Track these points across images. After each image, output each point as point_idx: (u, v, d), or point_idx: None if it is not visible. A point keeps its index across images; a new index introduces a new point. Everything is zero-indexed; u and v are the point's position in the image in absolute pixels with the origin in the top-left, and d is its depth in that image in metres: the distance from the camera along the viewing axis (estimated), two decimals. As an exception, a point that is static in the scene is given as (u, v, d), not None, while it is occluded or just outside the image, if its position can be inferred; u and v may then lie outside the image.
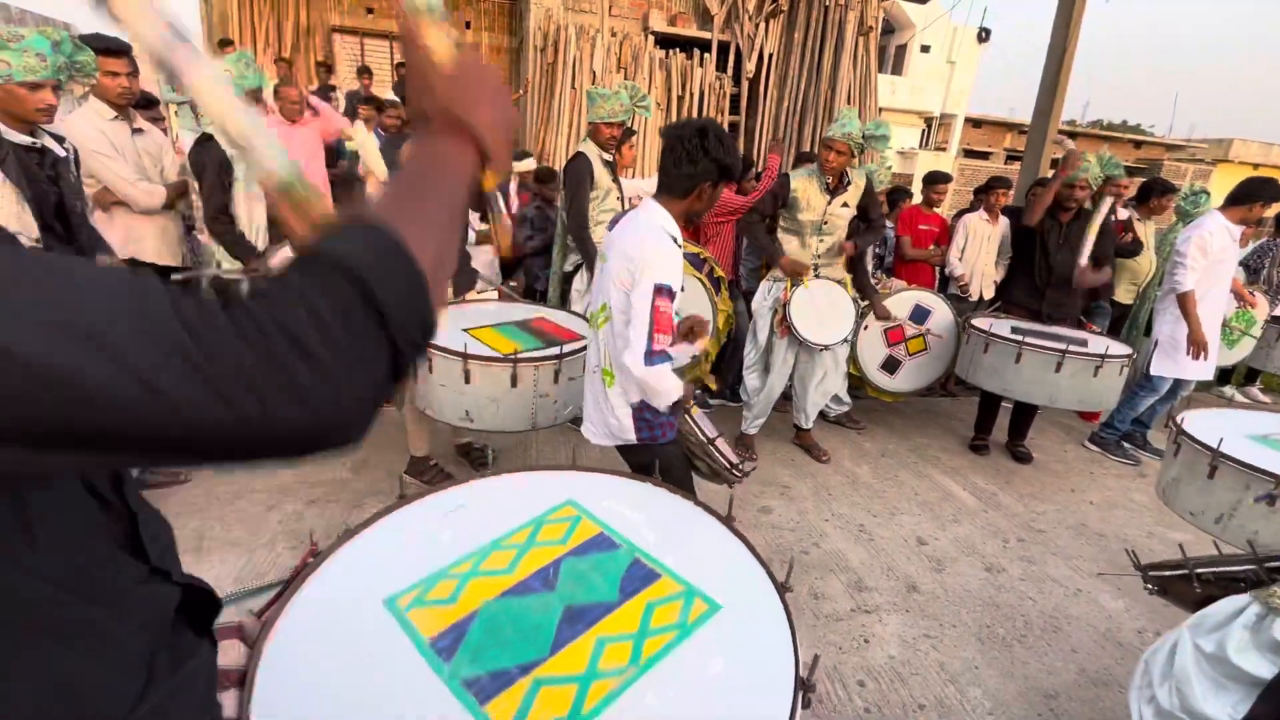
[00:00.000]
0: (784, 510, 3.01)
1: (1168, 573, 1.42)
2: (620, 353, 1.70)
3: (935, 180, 4.58)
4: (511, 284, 4.58)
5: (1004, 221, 4.40)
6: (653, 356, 1.64)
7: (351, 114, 6.15)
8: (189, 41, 0.56)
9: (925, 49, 19.46)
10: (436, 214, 0.51)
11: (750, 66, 8.07)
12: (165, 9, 0.54)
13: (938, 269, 4.63)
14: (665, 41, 8.05)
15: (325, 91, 5.97)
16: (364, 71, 7.03)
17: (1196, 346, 3.45)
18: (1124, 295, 4.53)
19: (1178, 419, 2.31)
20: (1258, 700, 0.93)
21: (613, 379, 1.80)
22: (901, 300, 3.87)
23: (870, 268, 3.98)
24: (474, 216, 3.04)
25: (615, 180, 3.33)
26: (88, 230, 2.43)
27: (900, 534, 2.89)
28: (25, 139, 2.17)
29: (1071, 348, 3.19)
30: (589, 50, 7.64)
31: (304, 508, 2.69)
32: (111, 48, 2.58)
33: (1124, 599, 2.55)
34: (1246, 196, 3.39)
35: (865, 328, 3.78)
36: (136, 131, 2.80)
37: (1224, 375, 5.34)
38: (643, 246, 1.66)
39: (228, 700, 0.79)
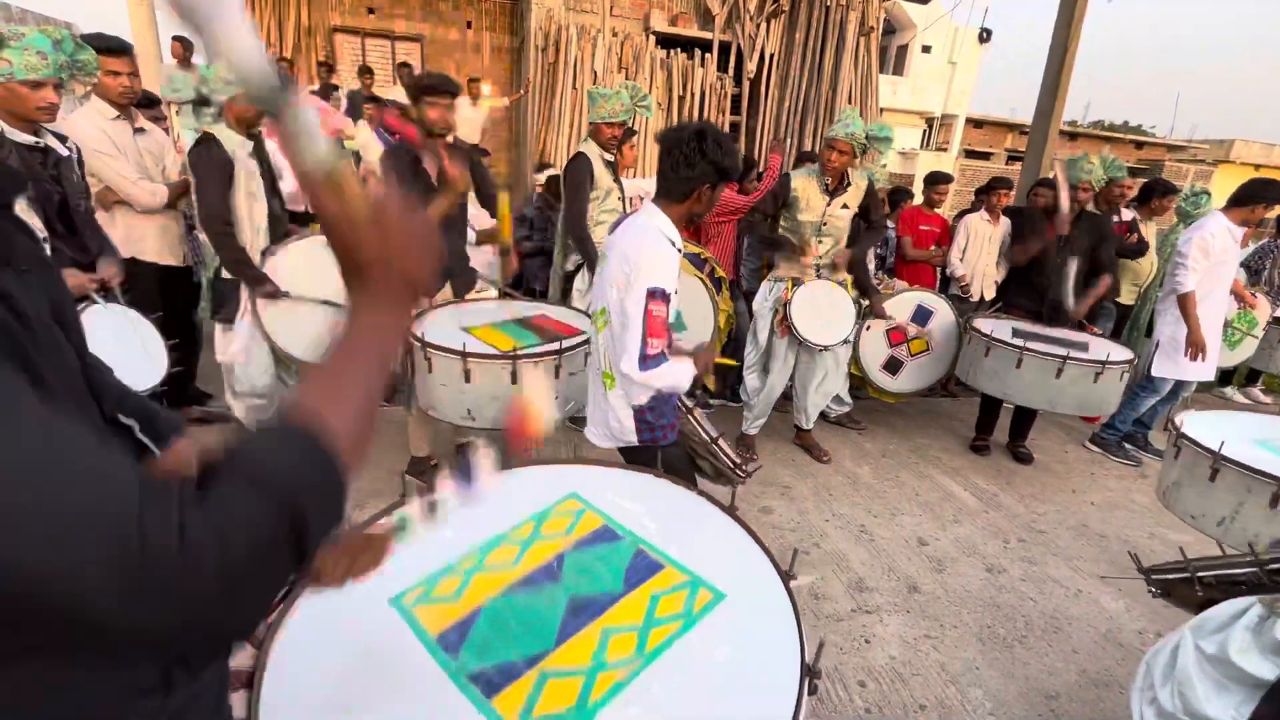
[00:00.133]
0: (784, 510, 3.01)
1: (1170, 575, 1.42)
2: (618, 357, 1.70)
3: (936, 181, 4.58)
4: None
5: (1005, 222, 4.39)
6: (647, 361, 1.64)
7: (354, 114, 6.16)
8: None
9: (926, 49, 19.45)
10: (364, 395, 0.54)
11: (751, 67, 8.07)
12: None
13: (939, 269, 4.63)
14: (666, 41, 8.05)
15: (327, 91, 5.97)
16: (365, 71, 7.03)
17: (1194, 348, 3.45)
18: (1125, 296, 4.52)
19: (1177, 422, 2.31)
20: (1261, 702, 0.92)
21: (613, 381, 1.80)
22: (904, 301, 3.87)
23: (871, 268, 3.97)
24: (474, 216, 3.04)
25: (616, 180, 3.32)
26: (92, 229, 2.44)
27: (901, 534, 2.89)
28: (28, 138, 2.18)
29: (1073, 353, 3.18)
30: (590, 50, 7.64)
31: (305, 507, 2.69)
32: (113, 47, 2.58)
33: (1125, 600, 2.55)
34: (1249, 198, 3.39)
35: (868, 328, 3.78)
36: (138, 131, 2.80)
37: (1225, 376, 5.33)
38: (640, 250, 1.66)
39: (236, 701, 0.80)
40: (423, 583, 1.03)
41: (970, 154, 22.31)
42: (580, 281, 3.37)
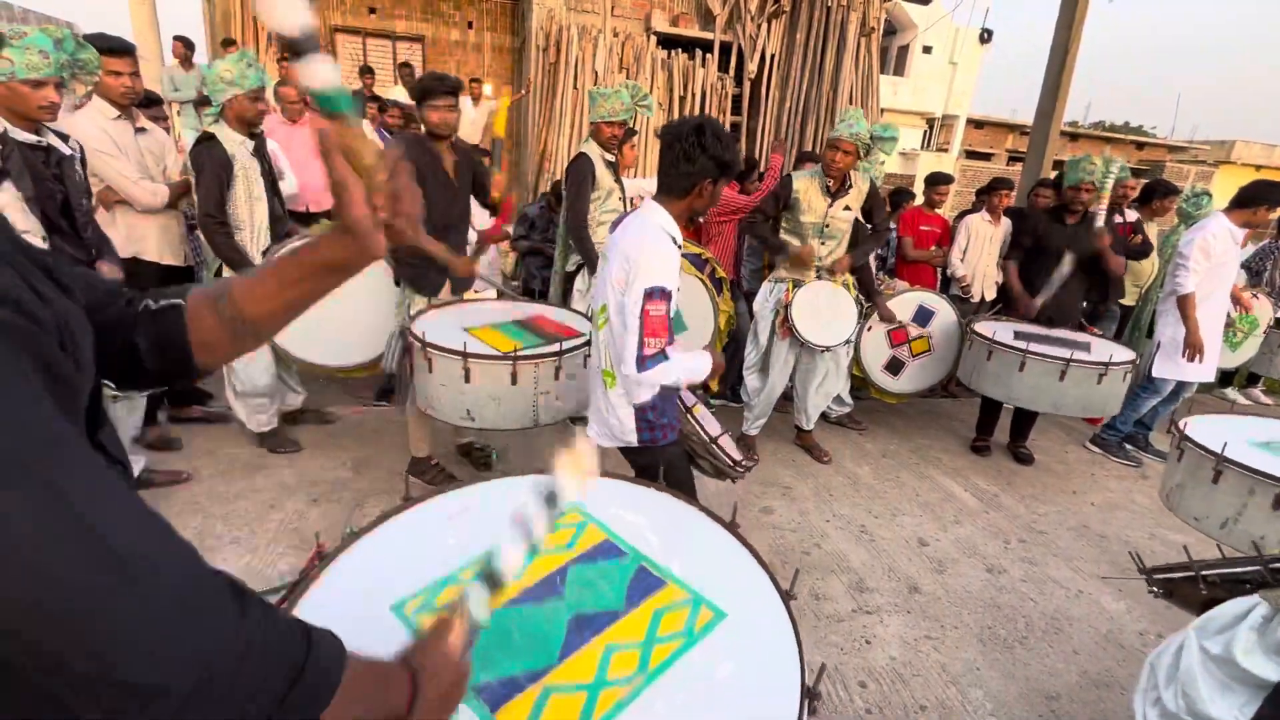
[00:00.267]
0: (785, 511, 3.01)
1: (1173, 575, 1.42)
2: (618, 356, 1.70)
3: (937, 181, 4.58)
4: (514, 284, 4.58)
5: (1006, 223, 4.39)
6: (644, 361, 1.64)
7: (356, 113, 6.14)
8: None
9: (927, 50, 19.45)
10: (362, 699, 0.58)
11: (752, 67, 8.08)
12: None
13: (939, 270, 4.63)
14: (667, 42, 8.06)
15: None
16: (366, 71, 7.03)
17: (1192, 349, 3.45)
18: (1126, 297, 4.52)
19: (1180, 424, 2.31)
20: (1265, 703, 0.92)
21: (614, 380, 1.80)
22: (905, 301, 3.86)
23: (873, 269, 3.97)
24: (474, 216, 3.04)
25: (618, 180, 3.32)
26: (93, 230, 2.44)
27: (901, 535, 2.89)
28: (30, 137, 2.18)
29: (1076, 355, 3.18)
30: (591, 50, 7.65)
31: (306, 507, 2.69)
32: (115, 47, 2.58)
33: (1125, 601, 2.55)
34: (1252, 199, 3.37)
35: (869, 329, 3.78)
36: (139, 130, 2.80)
37: (1226, 378, 5.33)
38: (641, 248, 1.65)
39: None
40: (425, 591, 1.03)
41: (971, 155, 22.31)
42: (581, 282, 3.37)
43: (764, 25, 7.96)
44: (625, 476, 1.47)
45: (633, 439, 1.82)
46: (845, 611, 2.36)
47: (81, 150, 2.41)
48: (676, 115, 7.94)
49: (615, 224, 1.85)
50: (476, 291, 3.09)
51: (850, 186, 3.20)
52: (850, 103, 8.02)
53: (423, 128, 2.66)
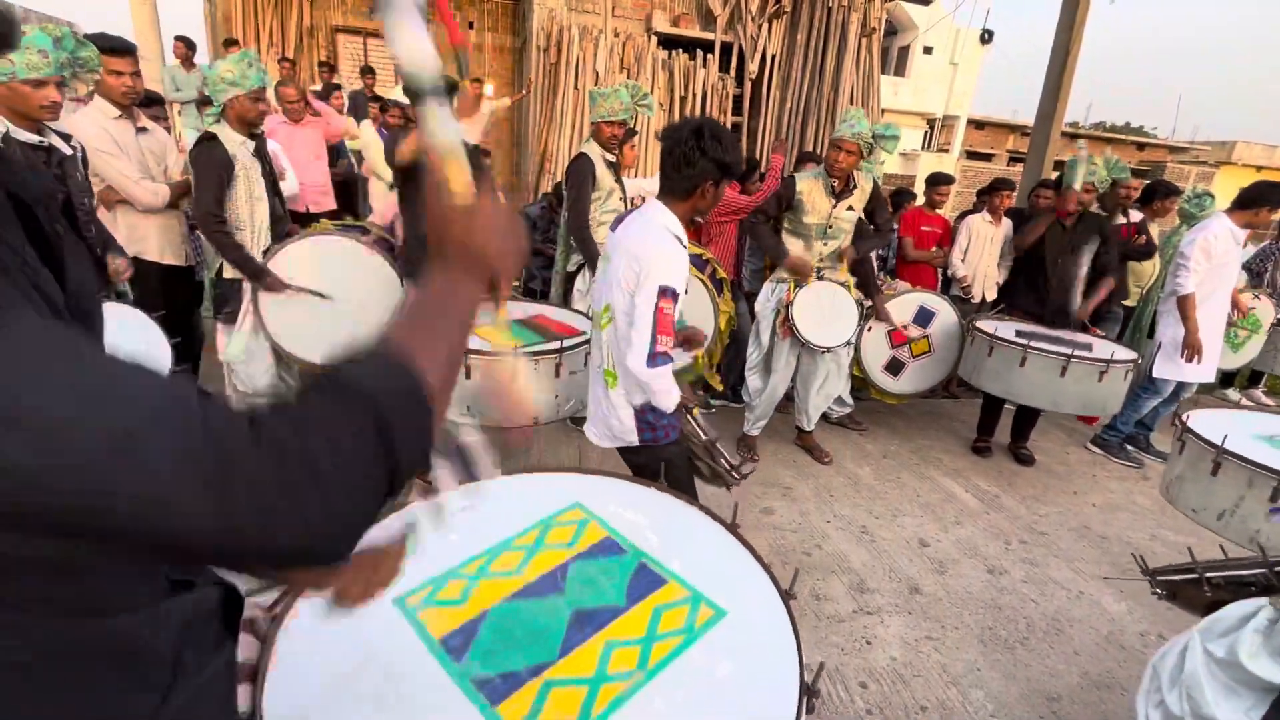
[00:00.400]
0: (786, 511, 3.01)
1: (1177, 577, 1.42)
2: (623, 354, 1.70)
3: (938, 182, 4.57)
4: (514, 284, 4.57)
5: (1007, 223, 4.38)
6: (655, 358, 1.64)
7: (356, 114, 6.16)
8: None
9: (928, 50, 19.45)
10: (449, 348, 0.56)
11: (753, 67, 8.07)
12: None
13: (940, 270, 4.63)
14: (668, 42, 8.06)
15: (329, 91, 5.97)
16: (367, 71, 7.04)
17: (1190, 350, 3.44)
18: (1129, 298, 4.51)
19: (1182, 417, 2.32)
20: (1271, 707, 0.92)
21: (615, 380, 1.80)
22: (906, 302, 3.86)
23: (874, 268, 3.97)
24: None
25: (618, 180, 3.32)
26: (96, 228, 2.44)
27: (902, 535, 2.89)
28: (32, 137, 2.18)
29: (1077, 352, 3.18)
30: (592, 51, 7.65)
31: (306, 507, 2.69)
32: (115, 47, 2.58)
33: (1126, 602, 2.55)
34: (1254, 200, 3.36)
35: (869, 329, 3.77)
36: (140, 130, 2.80)
37: (1227, 378, 5.32)
38: (648, 248, 1.65)
39: (240, 694, 0.80)
40: (427, 585, 1.04)
41: (972, 155, 22.31)
42: (581, 282, 3.37)
43: (765, 26, 7.95)
44: (626, 476, 1.47)
45: (633, 438, 1.82)
46: (846, 612, 2.36)
47: (83, 150, 2.41)
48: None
49: (616, 223, 1.85)
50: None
51: (854, 187, 3.20)
52: (851, 103, 8.02)
53: None
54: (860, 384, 4.01)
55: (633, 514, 1.28)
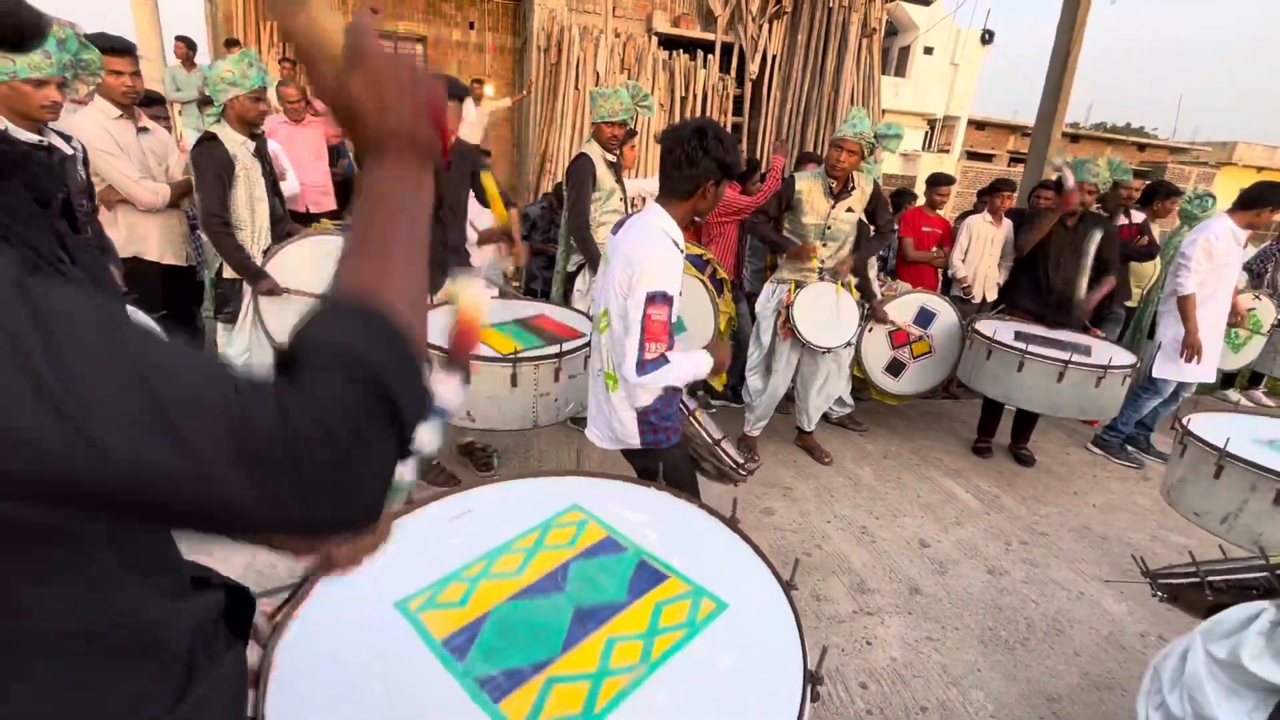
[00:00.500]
0: (786, 512, 3.01)
1: (1178, 579, 1.41)
2: (619, 360, 1.70)
3: (938, 182, 4.57)
4: (515, 284, 4.58)
5: (1007, 224, 4.38)
6: (644, 365, 1.64)
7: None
8: None
9: (929, 51, 19.44)
10: (406, 262, 0.51)
11: (753, 68, 8.08)
12: None
13: (940, 271, 4.63)
14: (669, 43, 8.06)
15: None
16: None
17: (1190, 350, 3.44)
18: (1133, 299, 4.51)
19: (1184, 420, 2.31)
20: (1275, 709, 0.91)
21: (616, 383, 1.80)
22: (907, 303, 3.86)
23: (874, 270, 3.97)
24: (475, 215, 3.04)
25: (619, 181, 3.32)
26: (93, 230, 2.44)
27: (902, 536, 2.89)
28: (32, 137, 2.18)
29: (1075, 357, 3.16)
30: (592, 51, 7.65)
31: (306, 507, 2.69)
32: (115, 47, 2.58)
33: (1127, 603, 2.55)
34: (1256, 200, 3.35)
35: (870, 330, 3.77)
36: (141, 130, 2.80)
37: (1228, 379, 5.32)
38: (642, 251, 1.65)
39: None
40: (428, 588, 1.04)
41: (972, 156, 22.30)
42: (581, 282, 3.37)
43: (765, 26, 7.96)
44: (625, 477, 1.47)
45: (635, 441, 1.81)
46: (846, 612, 2.36)
47: (84, 150, 2.41)
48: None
49: (617, 226, 1.85)
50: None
51: (853, 188, 3.19)
52: (852, 104, 8.02)
53: None
54: (861, 384, 4.01)
55: (632, 513, 1.28)
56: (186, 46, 6.37)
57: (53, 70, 2.11)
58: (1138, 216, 4.37)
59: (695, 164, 1.65)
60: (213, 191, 2.60)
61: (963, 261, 4.42)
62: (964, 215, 4.70)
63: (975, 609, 2.44)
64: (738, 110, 8.44)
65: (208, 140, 2.61)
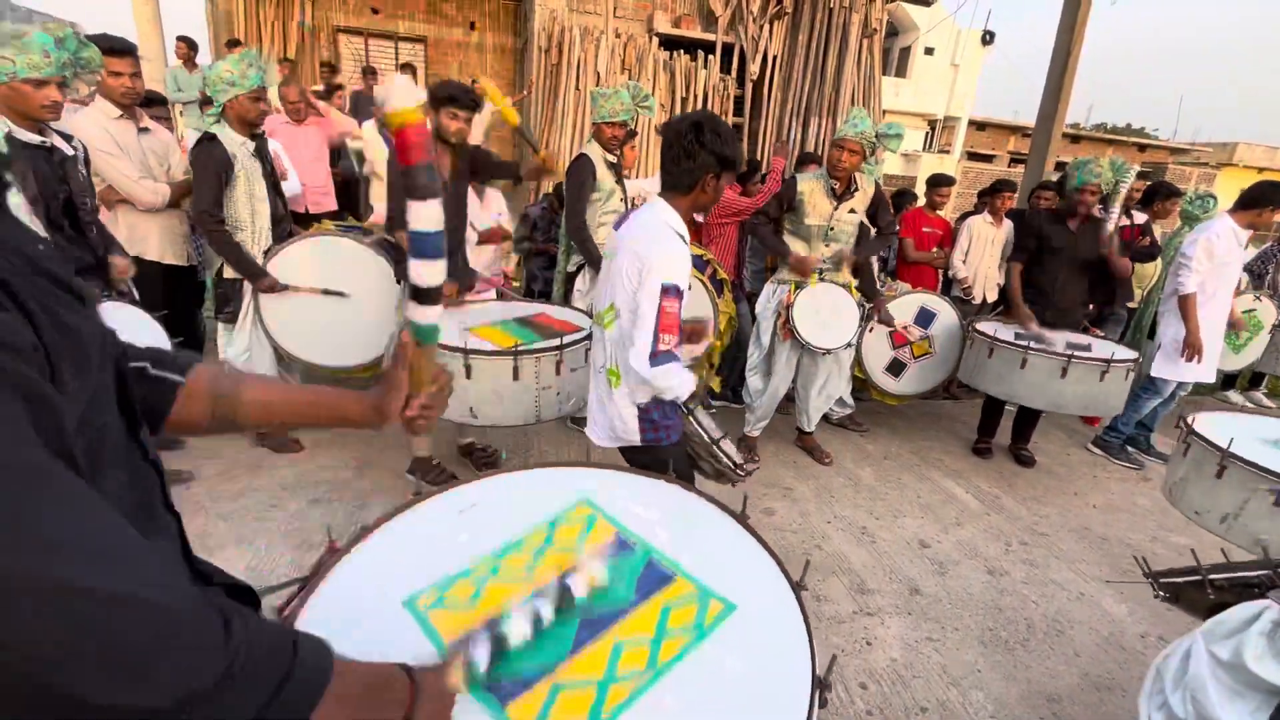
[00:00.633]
0: (786, 512, 3.01)
1: (1179, 579, 1.41)
2: (626, 353, 1.70)
3: (938, 183, 4.57)
4: (515, 284, 4.58)
5: (1008, 225, 4.38)
6: (657, 357, 1.64)
7: (357, 113, 6.15)
8: None
9: (929, 51, 19.46)
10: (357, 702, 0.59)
11: (754, 68, 8.08)
12: None
13: (941, 271, 4.63)
14: (669, 43, 8.07)
15: (330, 91, 5.98)
16: (369, 72, 7.04)
17: (1190, 349, 3.44)
18: (1133, 300, 4.51)
19: (1188, 419, 2.31)
20: (1276, 710, 0.91)
21: (618, 379, 1.79)
22: (907, 303, 3.86)
23: (875, 270, 3.96)
24: (475, 215, 3.04)
25: (619, 181, 3.32)
26: (97, 229, 2.44)
27: (903, 536, 2.88)
28: (33, 137, 2.18)
29: (1077, 353, 3.17)
30: (593, 51, 7.65)
31: (307, 507, 2.69)
32: (116, 47, 2.58)
33: (1127, 603, 2.54)
34: (1257, 200, 3.35)
35: (870, 330, 3.77)
36: (143, 130, 2.80)
37: (1229, 380, 5.32)
38: (650, 245, 1.65)
39: None
40: (436, 587, 1.03)
41: (973, 156, 22.30)
42: (581, 282, 3.37)
43: (766, 27, 7.96)
44: (635, 469, 1.46)
45: (636, 438, 1.81)
46: (846, 613, 2.36)
47: (85, 150, 2.41)
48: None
49: (619, 222, 1.85)
50: (478, 293, 3.09)
51: (856, 189, 3.19)
52: (852, 104, 8.02)
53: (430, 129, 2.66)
54: (861, 385, 4.01)
55: (641, 508, 1.27)
56: (188, 47, 6.38)
57: (52, 70, 2.11)
58: (1139, 217, 4.36)
59: (694, 157, 1.65)
60: (208, 191, 2.60)
61: (963, 262, 4.42)
62: (964, 216, 4.70)
63: (975, 609, 2.44)
64: (738, 111, 8.44)
65: (207, 140, 2.61)
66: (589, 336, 2.52)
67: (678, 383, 1.69)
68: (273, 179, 2.86)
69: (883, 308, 3.71)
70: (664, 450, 1.82)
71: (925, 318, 3.87)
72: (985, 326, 3.62)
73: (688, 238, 1.74)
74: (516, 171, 3.01)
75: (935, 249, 4.50)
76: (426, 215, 0.77)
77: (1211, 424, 2.30)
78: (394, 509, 1.19)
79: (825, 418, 3.88)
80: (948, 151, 20.62)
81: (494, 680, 0.82)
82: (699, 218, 3.91)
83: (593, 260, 3.20)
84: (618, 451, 1.92)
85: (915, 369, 3.92)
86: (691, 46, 8.14)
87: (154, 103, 3.49)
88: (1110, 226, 3.43)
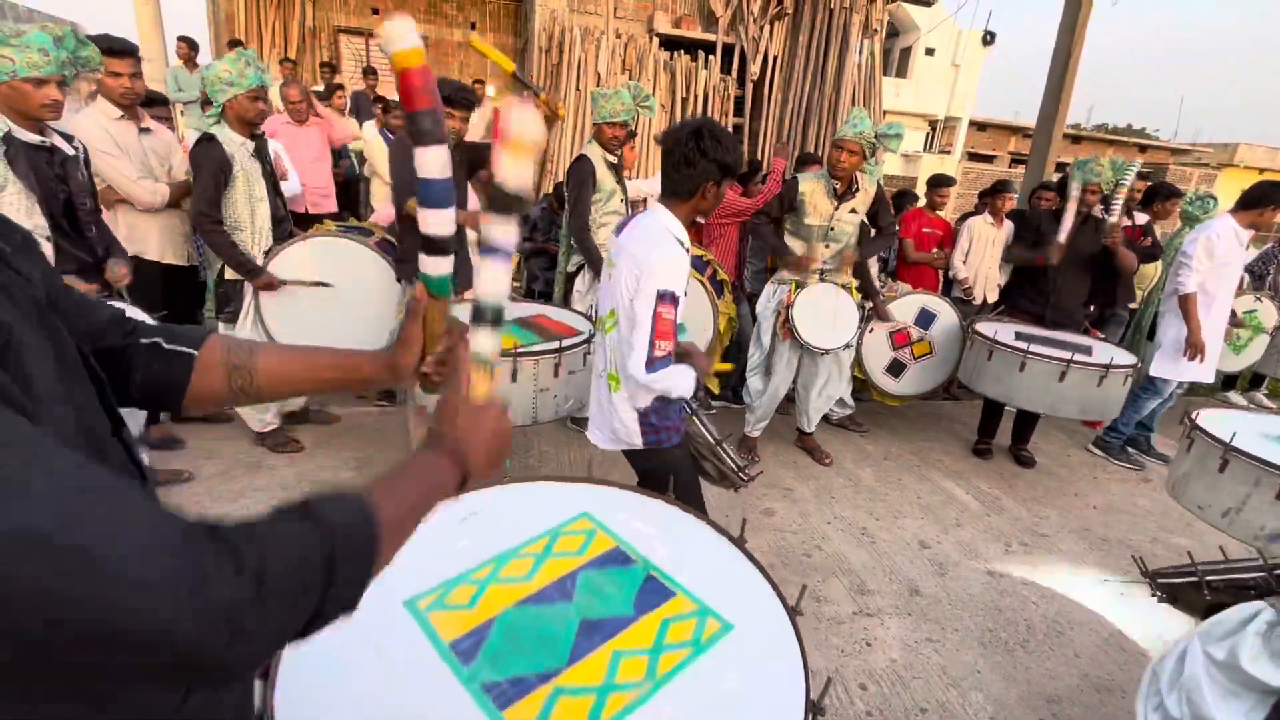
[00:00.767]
0: (786, 512, 3.01)
1: (1177, 580, 1.41)
2: (625, 359, 1.70)
3: (939, 183, 4.57)
4: (515, 284, 4.58)
5: (1008, 225, 4.38)
6: (654, 363, 1.64)
7: (358, 113, 6.16)
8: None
9: (930, 52, 19.45)
10: (409, 524, 0.61)
11: (755, 69, 8.08)
12: None
13: (941, 272, 4.63)
14: (670, 43, 8.07)
15: (330, 90, 5.99)
16: (369, 72, 7.05)
17: (1192, 349, 3.44)
18: (1134, 300, 4.51)
19: (1193, 415, 2.32)
20: (1272, 710, 0.91)
21: (618, 384, 1.80)
22: (907, 304, 3.86)
23: (875, 271, 3.96)
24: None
25: (619, 182, 3.32)
26: (98, 229, 2.44)
27: (903, 537, 2.88)
28: (34, 137, 2.18)
29: (1076, 357, 3.17)
30: (594, 52, 7.66)
31: (306, 506, 2.69)
32: (115, 48, 2.58)
33: (1127, 604, 2.54)
34: (1258, 200, 3.35)
35: (870, 330, 3.77)
36: (144, 130, 2.80)
37: (1229, 381, 5.32)
38: (648, 250, 1.66)
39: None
40: (437, 588, 1.04)
41: (973, 157, 22.30)
42: (581, 283, 3.37)
43: (766, 27, 7.96)
44: (634, 486, 1.47)
45: (638, 441, 1.81)
46: (846, 614, 2.35)
47: (86, 151, 2.42)
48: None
49: (620, 227, 1.85)
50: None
51: (857, 189, 3.19)
52: (853, 105, 8.02)
53: None
54: (861, 385, 4.01)
55: (641, 524, 1.28)
56: (189, 47, 6.38)
57: (52, 69, 2.11)
58: (1141, 218, 4.36)
59: (694, 165, 1.65)
60: (205, 190, 2.60)
61: (963, 263, 4.42)
62: (965, 216, 4.70)
63: (975, 610, 2.43)
64: (739, 111, 8.44)
65: (205, 141, 2.61)
66: (587, 340, 2.52)
67: (679, 382, 1.69)
68: (272, 179, 2.86)
69: (882, 308, 3.71)
70: (665, 453, 1.82)
71: (925, 319, 3.87)
72: (985, 328, 3.61)
73: (688, 244, 1.74)
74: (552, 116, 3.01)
75: (935, 249, 4.50)
76: (433, 161, 0.76)
77: (1214, 420, 2.31)
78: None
79: (825, 418, 3.87)
80: (948, 152, 20.61)
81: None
82: (699, 220, 3.92)
83: (593, 261, 3.20)
84: (620, 454, 1.92)
85: (915, 370, 3.92)
86: (692, 47, 8.14)
87: (155, 103, 3.49)
88: (1113, 220, 3.42)
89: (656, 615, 1.04)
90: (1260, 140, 23.27)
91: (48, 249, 2.19)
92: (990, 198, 4.45)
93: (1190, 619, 1.49)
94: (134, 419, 2.62)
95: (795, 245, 3.29)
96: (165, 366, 0.72)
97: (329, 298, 2.90)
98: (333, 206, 4.60)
